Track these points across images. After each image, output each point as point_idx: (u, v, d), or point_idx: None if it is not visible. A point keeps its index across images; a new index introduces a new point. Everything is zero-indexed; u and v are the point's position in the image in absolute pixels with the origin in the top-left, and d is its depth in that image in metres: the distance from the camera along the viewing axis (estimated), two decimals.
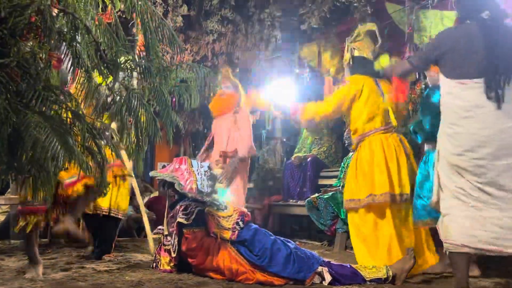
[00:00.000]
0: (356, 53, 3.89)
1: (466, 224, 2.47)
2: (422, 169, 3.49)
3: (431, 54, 2.69)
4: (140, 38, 2.54)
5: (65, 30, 1.67)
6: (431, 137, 3.04)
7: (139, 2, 1.82)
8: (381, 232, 3.43)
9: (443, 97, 2.65)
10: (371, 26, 4.00)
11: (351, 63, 3.88)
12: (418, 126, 3.57)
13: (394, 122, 3.69)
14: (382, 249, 3.38)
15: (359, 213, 3.53)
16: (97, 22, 1.77)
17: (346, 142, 5.37)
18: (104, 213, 3.80)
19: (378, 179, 3.48)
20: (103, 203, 3.76)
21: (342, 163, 5.45)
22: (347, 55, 3.99)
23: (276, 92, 6.75)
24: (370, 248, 3.43)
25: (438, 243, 3.17)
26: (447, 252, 2.58)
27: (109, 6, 2.03)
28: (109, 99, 2.01)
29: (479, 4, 2.62)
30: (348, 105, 3.68)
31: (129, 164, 3.89)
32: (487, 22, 2.58)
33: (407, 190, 3.51)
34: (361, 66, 3.80)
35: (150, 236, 4.17)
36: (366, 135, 3.65)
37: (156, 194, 6.80)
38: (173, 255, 3.28)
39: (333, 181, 5.70)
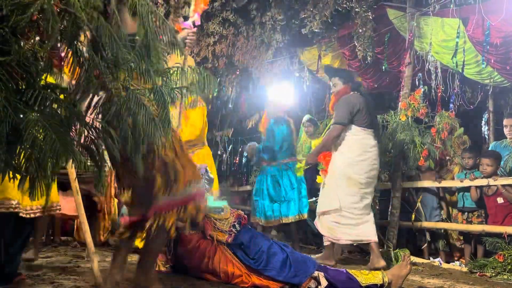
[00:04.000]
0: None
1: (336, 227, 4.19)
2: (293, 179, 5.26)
3: (352, 112, 4.18)
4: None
5: (67, 29, 1.67)
6: (276, 157, 5.32)
7: (141, 2, 1.82)
8: None
9: (349, 136, 4.20)
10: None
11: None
12: (266, 148, 5.42)
13: None
14: None
15: None
16: (98, 22, 1.76)
17: None
18: (39, 213, 2.79)
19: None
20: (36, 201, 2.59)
21: None
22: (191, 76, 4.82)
23: (276, 95, 6.75)
24: None
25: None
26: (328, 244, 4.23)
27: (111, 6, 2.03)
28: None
29: (357, 85, 4.52)
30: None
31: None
32: (363, 94, 4.43)
33: None
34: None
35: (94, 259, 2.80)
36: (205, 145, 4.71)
37: None
38: (169, 256, 3.28)
39: None
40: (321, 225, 4.32)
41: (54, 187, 2.81)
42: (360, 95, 4.35)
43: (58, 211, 2.98)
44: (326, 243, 4.29)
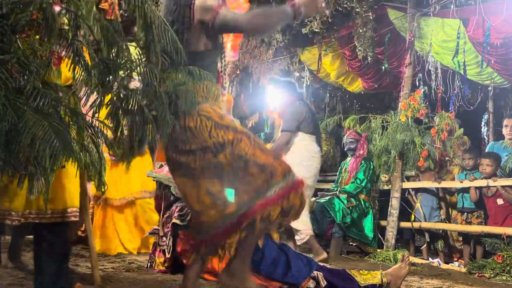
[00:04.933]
0: None
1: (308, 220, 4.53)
2: None
3: (299, 120, 4.49)
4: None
5: (67, 28, 1.67)
6: None
7: (143, 3, 1.81)
8: None
9: (296, 142, 4.47)
10: None
11: None
12: None
13: None
14: None
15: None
16: (98, 21, 1.76)
17: (345, 146, 5.38)
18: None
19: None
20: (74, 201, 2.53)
21: (340, 167, 5.46)
22: None
23: (275, 94, 6.73)
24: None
25: None
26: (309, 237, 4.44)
27: (111, 3, 2.03)
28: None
29: (301, 94, 4.99)
30: None
31: None
32: (306, 102, 4.93)
33: None
34: None
35: (96, 262, 2.85)
36: None
37: None
38: (168, 255, 3.27)
39: (330, 186, 5.70)
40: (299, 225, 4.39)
41: (75, 189, 2.53)
42: (304, 103, 4.74)
43: (73, 218, 2.48)
44: (304, 239, 4.42)
